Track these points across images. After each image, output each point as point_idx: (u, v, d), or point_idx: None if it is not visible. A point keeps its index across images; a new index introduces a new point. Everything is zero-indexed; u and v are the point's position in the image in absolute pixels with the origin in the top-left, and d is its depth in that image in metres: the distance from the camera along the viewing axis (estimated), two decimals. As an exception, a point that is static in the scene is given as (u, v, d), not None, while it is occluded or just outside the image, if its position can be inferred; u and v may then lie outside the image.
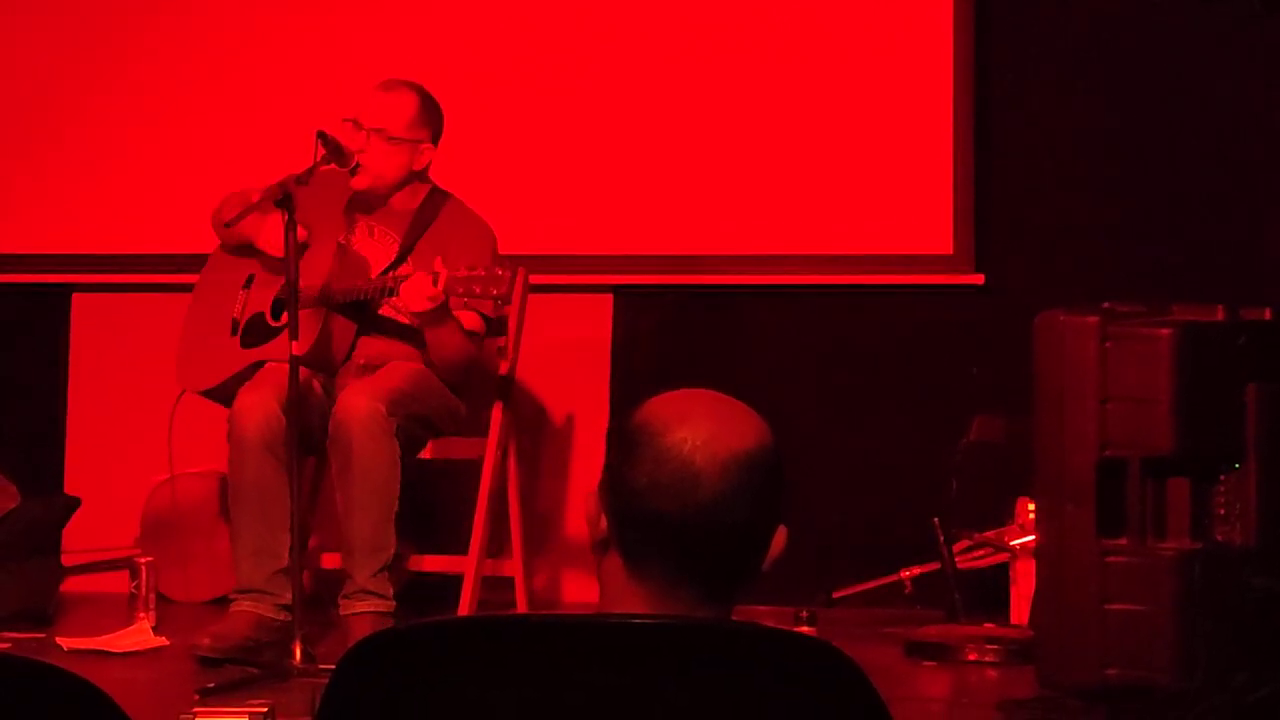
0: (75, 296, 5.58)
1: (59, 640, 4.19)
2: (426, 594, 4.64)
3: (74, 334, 5.58)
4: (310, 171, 4.13)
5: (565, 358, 5.27)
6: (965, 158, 5.09)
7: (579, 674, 1.43)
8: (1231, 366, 3.44)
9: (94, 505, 4.99)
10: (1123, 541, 3.45)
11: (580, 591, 5.15)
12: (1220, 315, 3.49)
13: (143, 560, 4.50)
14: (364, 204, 4.47)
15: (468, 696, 1.44)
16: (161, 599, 4.59)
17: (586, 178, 5.26)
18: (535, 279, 4.68)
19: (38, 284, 5.57)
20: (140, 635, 4.27)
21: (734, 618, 1.64)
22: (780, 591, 4.04)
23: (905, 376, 5.14)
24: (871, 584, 4.80)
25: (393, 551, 4.15)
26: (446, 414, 4.40)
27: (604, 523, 1.69)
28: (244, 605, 4.12)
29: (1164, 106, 5.07)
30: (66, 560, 5.00)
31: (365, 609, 4.11)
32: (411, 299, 4.11)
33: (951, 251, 5.09)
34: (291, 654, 3.80)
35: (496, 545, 4.61)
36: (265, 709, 2.78)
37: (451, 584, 4.44)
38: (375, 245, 4.44)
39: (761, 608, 4.34)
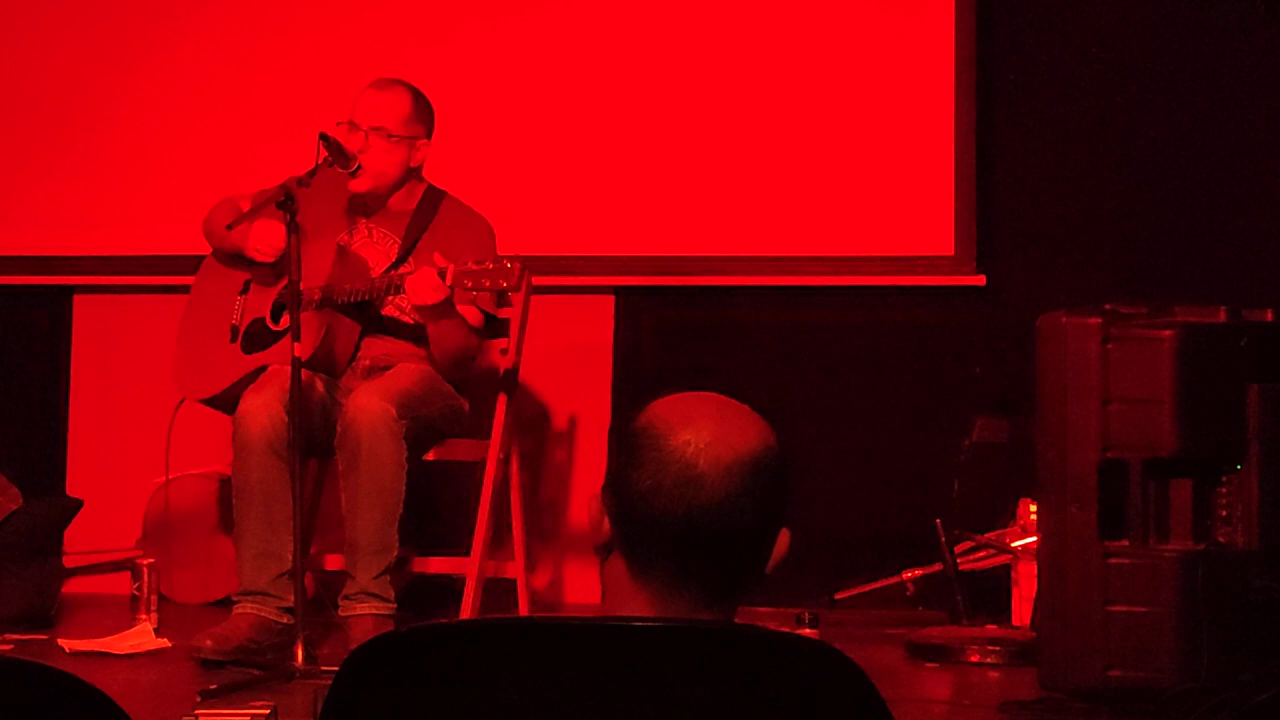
0: (77, 298, 5.58)
1: (61, 642, 4.19)
2: (428, 596, 4.65)
3: (75, 336, 5.58)
4: (313, 173, 4.14)
5: (567, 359, 5.27)
6: (967, 159, 5.09)
7: (581, 677, 1.43)
8: (1233, 368, 3.44)
9: (96, 507, 4.99)
10: (1125, 543, 3.45)
11: (582, 594, 5.15)
12: (1222, 317, 3.50)
13: (144, 561, 4.50)
14: (362, 207, 4.47)
15: (470, 699, 1.44)
16: (163, 600, 4.60)
17: (588, 179, 5.26)
18: (537, 280, 4.68)
19: (39, 285, 5.58)
20: (142, 637, 4.27)
21: (736, 620, 1.64)
22: (782, 593, 4.05)
23: (907, 378, 5.14)
24: (874, 585, 4.80)
25: (396, 554, 4.15)
26: (452, 416, 4.41)
27: (607, 525, 1.69)
28: (246, 607, 4.12)
29: (1166, 108, 5.07)
30: (68, 562, 5.00)
31: (366, 611, 4.11)
32: (418, 293, 4.12)
33: (953, 253, 5.09)
34: (294, 656, 3.80)
35: (498, 547, 4.61)
36: (267, 711, 2.78)
37: (453, 586, 4.44)
38: (375, 247, 4.44)
39: (764, 609, 4.35)
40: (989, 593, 4.61)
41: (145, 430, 5.27)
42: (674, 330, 5.30)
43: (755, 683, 1.43)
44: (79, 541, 5.09)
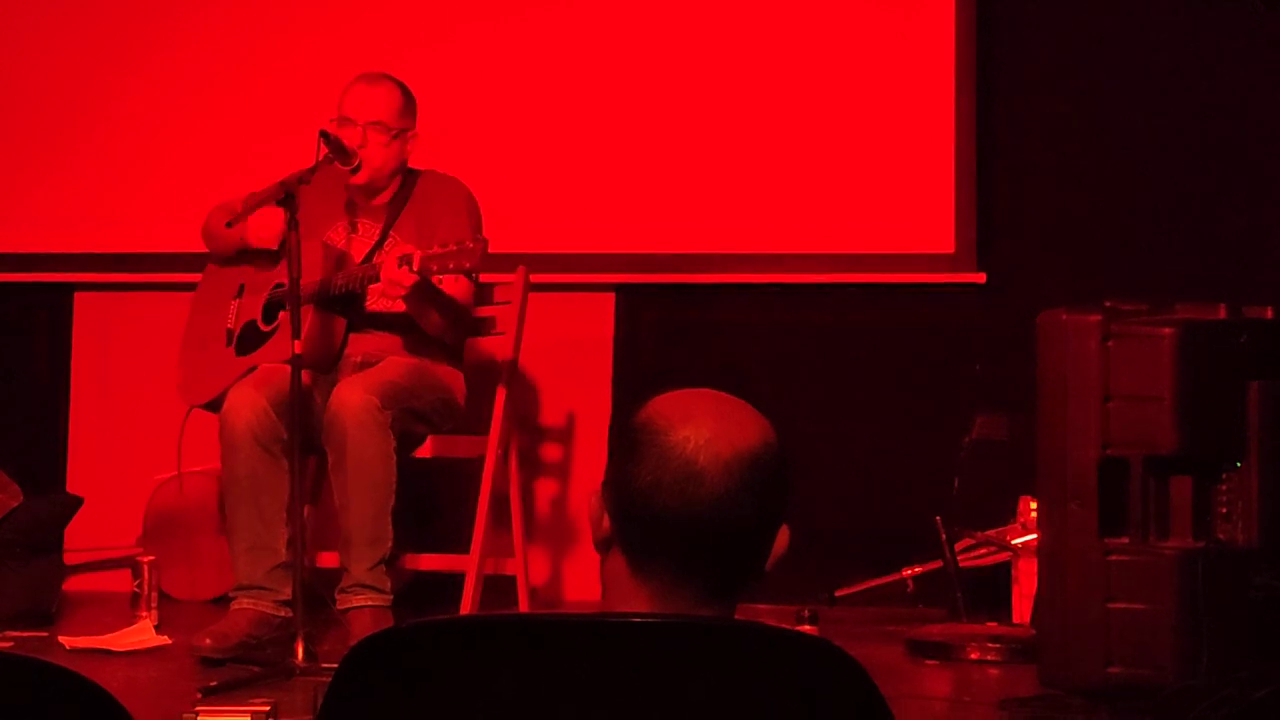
0: (77, 295, 5.58)
1: (61, 639, 4.20)
2: (428, 593, 4.65)
3: (76, 333, 5.58)
4: (313, 170, 4.15)
5: (567, 356, 5.27)
6: (967, 156, 5.09)
7: (581, 673, 1.43)
8: (1234, 365, 3.44)
9: (96, 504, 4.99)
10: (1125, 540, 3.45)
11: (582, 590, 5.15)
12: (1222, 314, 3.50)
13: (145, 559, 4.51)
14: (353, 203, 4.48)
15: (470, 696, 1.44)
16: (164, 597, 4.60)
17: (588, 176, 5.26)
18: (537, 278, 4.68)
19: (40, 283, 5.57)
20: (142, 634, 4.27)
21: (736, 617, 1.64)
22: (783, 590, 4.06)
23: (908, 375, 5.13)
24: (874, 583, 4.80)
25: (390, 545, 4.15)
26: (443, 409, 4.40)
27: (607, 522, 1.69)
28: (243, 603, 4.12)
29: (1166, 104, 5.06)
30: (69, 559, 5.00)
31: (363, 603, 4.11)
32: (389, 285, 4.12)
33: (953, 250, 5.09)
34: (294, 652, 3.80)
35: (498, 544, 4.61)
36: (267, 708, 2.78)
37: (453, 583, 4.44)
38: (360, 240, 4.45)
39: (764, 607, 4.35)
40: (989, 590, 4.61)
41: (146, 427, 5.27)
42: (674, 328, 5.29)
43: (755, 679, 1.43)
44: (79, 539, 5.09)
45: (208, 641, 4.00)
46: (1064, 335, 3.51)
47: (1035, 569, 3.82)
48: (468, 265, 4.04)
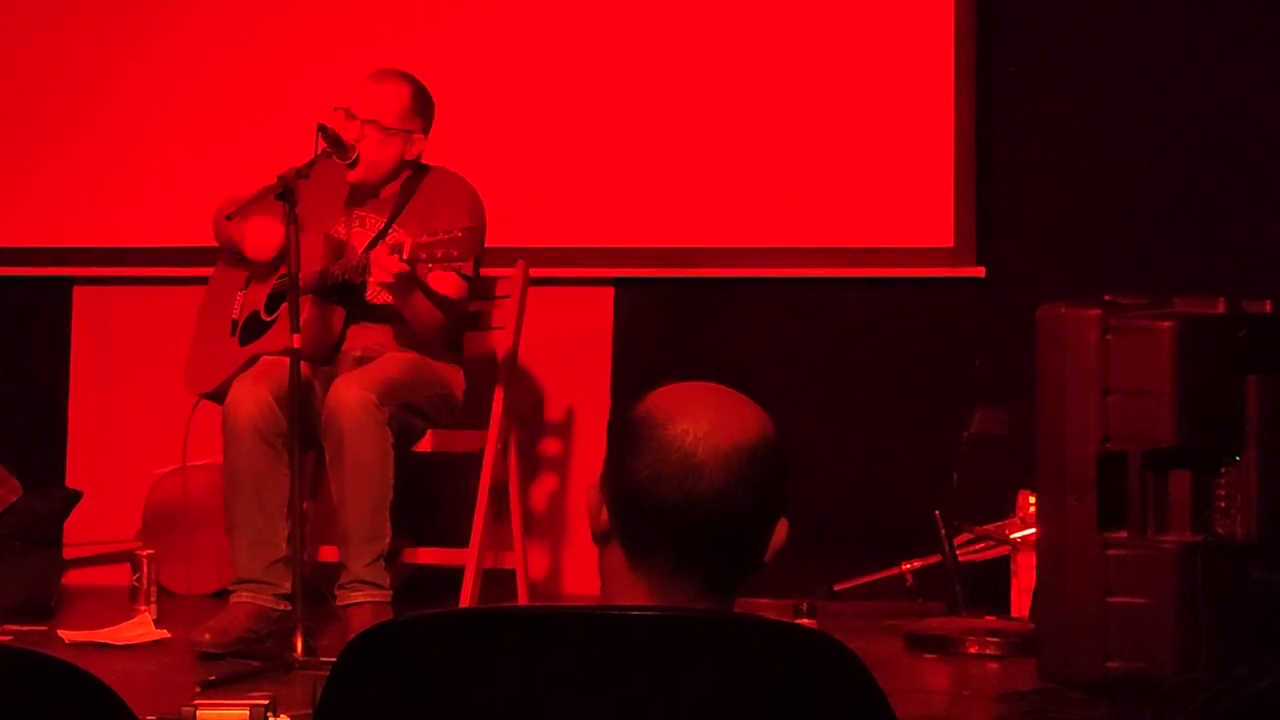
0: (76, 289, 5.58)
1: (60, 633, 4.19)
2: (427, 587, 4.65)
3: (75, 327, 5.58)
4: (311, 164, 4.14)
5: (566, 351, 5.27)
6: (966, 150, 5.09)
7: (580, 666, 1.43)
8: (1232, 359, 3.45)
9: (95, 498, 4.99)
10: (1124, 534, 3.46)
11: (582, 584, 5.15)
12: (1221, 308, 3.50)
13: (144, 553, 4.51)
14: (357, 196, 4.47)
15: (468, 689, 1.44)
16: (163, 592, 4.60)
17: (587, 171, 5.26)
18: (536, 272, 4.68)
19: (39, 277, 5.57)
20: (141, 628, 4.28)
21: (735, 610, 1.64)
22: (781, 584, 4.05)
23: (906, 369, 5.13)
24: (872, 577, 4.80)
25: (388, 541, 4.14)
26: (442, 404, 4.40)
27: (605, 515, 1.69)
28: (243, 596, 4.12)
29: (1165, 99, 5.06)
30: (68, 553, 5.00)
31: (362, 599, 4.11)
32: (379, 272, 4.12)
33: (953, 244, 5.09)
34: (293, 646, 3.80)
35: (497, 538, 4.61)
36: (266, 701, 2.78)
37: (452, 577, 4.44)
38: (363, 233, 4.45)
39: (762, 600, 4.34)
40: (988, 584, 4.61)
41: (145, 422, 5.27)
42: (673, 322, 5.29)
43: (754, 672, 1.43)
44: (78, 533, 5.09)
45: (207, 636, 4.00)
46: (1063, 329, 3.51)
47: (1034, 563, 3.82)
48: (456, 254, 4.02)
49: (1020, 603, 4.45)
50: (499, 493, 4.56)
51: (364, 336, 4.39)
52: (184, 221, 5.22)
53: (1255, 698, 1.51)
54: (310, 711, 3.13)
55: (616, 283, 5.29)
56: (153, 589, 4.46)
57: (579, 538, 5.18)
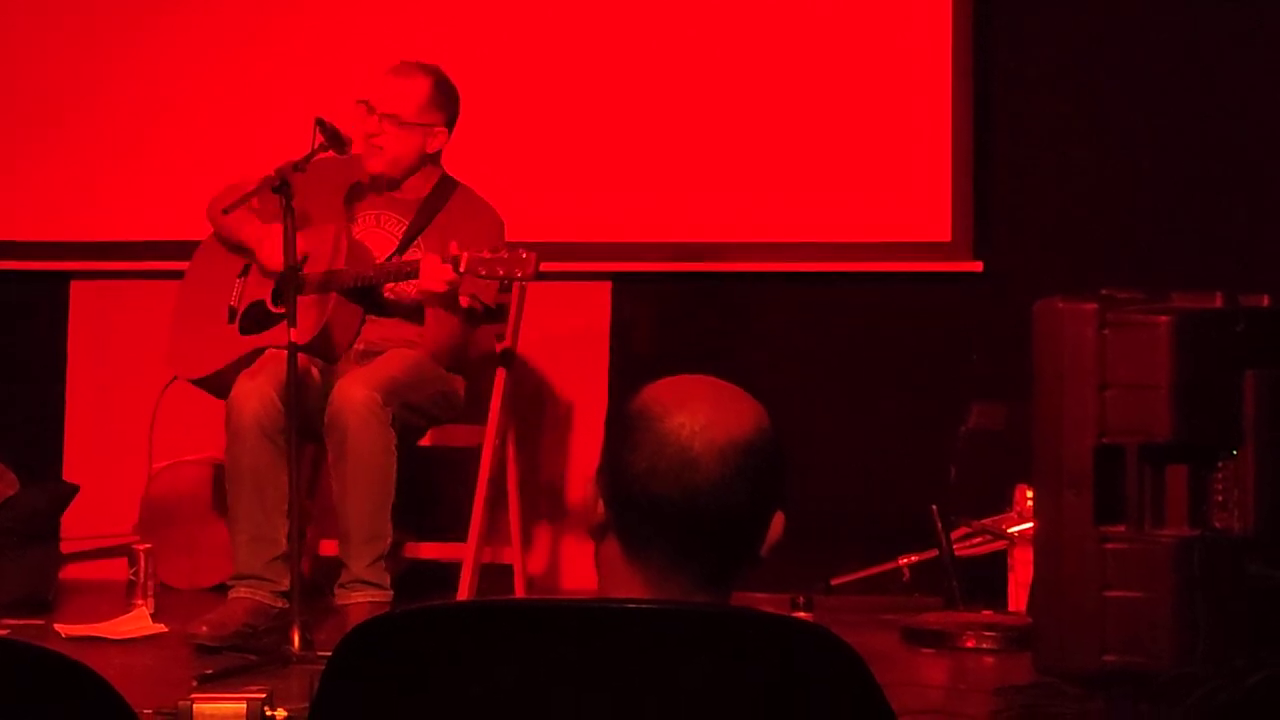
0: (73, 284, 5.57)
1: (57, 627, 4.19)
2: (425, 581, 4.64)
3: (72, 321, 5.58)
4: (308, 158, 4.13)
5: (564, 345, 5.27)
6: (964, 145, 5.09)
7: (576, 659, 1.43)
8: (1230, 353, 3.44)
9: (93, 492, 4.99)
10: (1121, 528, 3.45)
11: (580, 579, 5.15)
12: (1219, 302, 3.50)
13: (141, 547, 4.51)
14: (368, 190, 4.46)
15: (465, 681, 1.44)
16: (160, 586, 4.60)
17: (585, 166, 5.25)
18: (534, 266, 4.67)
19: (36, 271, 5.57)
20: (139, 622, 4.27)
21: (732, 604, 1.64)
22: (778, 578, 4.05)
23: (904, 363, 5.13)
24: (870, 571, 4.80)
25: (389, 541, 4.14)
26: (444, 402, 4.40)
27: (602, 508, 1.69)
28: (241, 592, 4.12)
29: (1163, 94, 5.06)
30: (65, 547, 5.00)
31: (362, 599, 4.11)
32: (429, 280, 4.11)
33: (950, 239, 5.09)
34: (290, 641, 3.80)
35: (495, 532, 4.61)
36: (263, 695, 2.78)
37: (450, 571, 4.45)
38: (382, 232, 4.43)
39: (759, 594, 4.35)
40: (985, 578, 4.61)
41: (142, 416, 5.26)
42: (671, 316, 5.29)
43: (751, 665, 1.43)
44: (76, 527, 5.09)
45: (204, 629, 4.00)
46: (1060, 323, 3.51)
47: (1031, 557, 3.82)
48: (519, 274, 4.04)
49: (1017, 597, 4.45)
50: (497, 487, 4.56)
51: (369, 331, 4.39)
52: (181, 215, 5.21)
53: (1251, 692, 1.51)
54: (307, 705, 3.14)
55: (614, 278, 5.29)
56: (150, 583, 4.46)
57: (578, 532, 5.18)
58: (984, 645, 4.13)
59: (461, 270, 4.04)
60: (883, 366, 5.15)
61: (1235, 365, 3.44)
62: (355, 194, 4.48)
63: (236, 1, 5.46)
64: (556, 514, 5.25)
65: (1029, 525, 4.20)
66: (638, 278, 5.28)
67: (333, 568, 4.23)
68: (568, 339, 5.27)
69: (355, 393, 4.09)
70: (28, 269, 5.57)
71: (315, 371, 4.23)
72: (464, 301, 4.26)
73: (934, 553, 4.65)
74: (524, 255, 4.02)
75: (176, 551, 5.08)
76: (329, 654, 1.50)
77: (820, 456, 4.98)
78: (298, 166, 4.09)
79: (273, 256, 4.29)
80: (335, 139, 4.21)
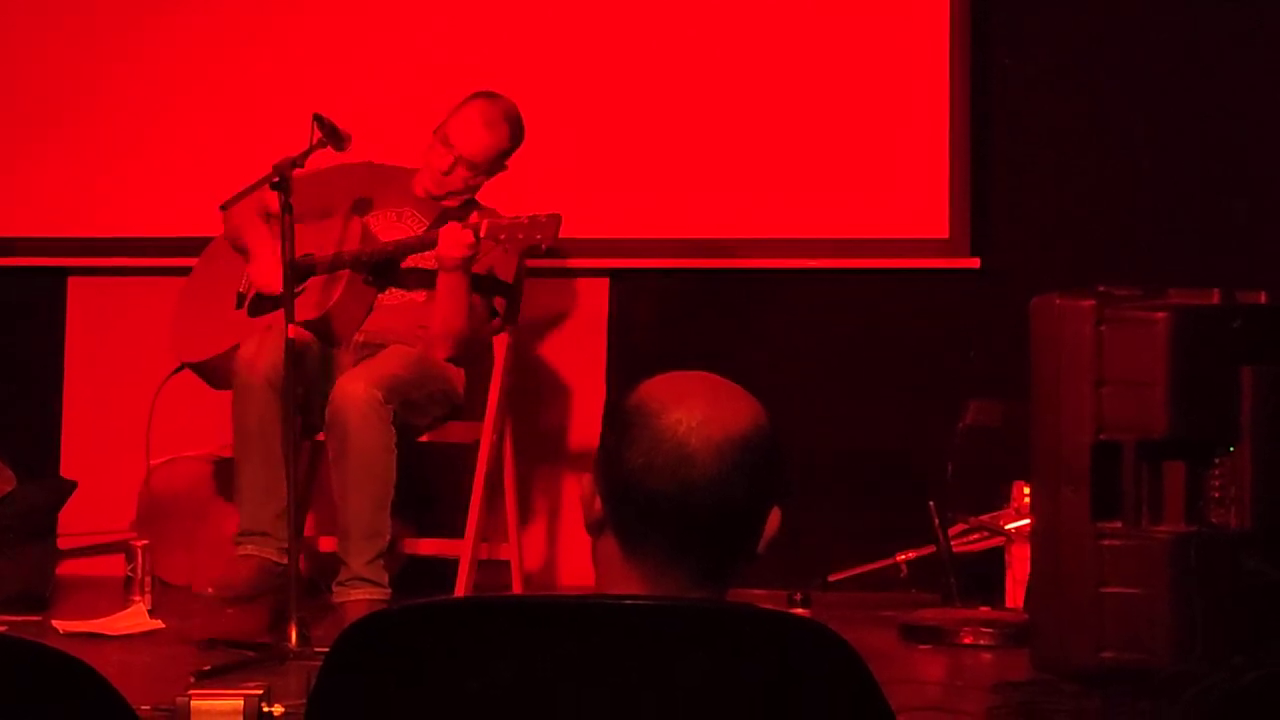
0: (71, 280, 5.57)
1: (55, 623, 4.19)
2: (423, 577, 4.65)
3: (70, 318, 5.57)
4: (306, 154, 4.13)
5: (562, 342, 5.27)
6: (962, 142, 5.08)
7: (573, 655, 1.43)
8: (1227, 350, 3.44)
9: (90, 488, 4.99)
10: (1118, 525, 3.46)
11: (577, 575, 5.15)
12: (1216, 299, 3.50)
13: (138, 543, 4.51)
14: (390, 193, 4.48)
15: (462, 677, 1.44)
16: (159, 582, 4.60)
17: (583, 162, 5.25)
18: (532, 263, 4.68)
19: (34, 267, 5.56)
20: (136, 618, 4.28)
21: (729, 600, 1.64)
22: (775, 574, 4.05)
23: (901, 360, 5.13)
24: (867, 567, 4.80)
25: (388, 539, 4.15)
26: (444, 399, 4.40)
27: (599, 504, 1.69)
28: (248, 549, 4.12)
29: (1161, 91, 5.06)
30: (62, 543, 5.00)
31: (360, 596, 4.11)
32: (446, 244, 4.12)
33: (948, 236, 5.09)
34: (288, 637, 3.80)
35: (492, 528, 4.61)
36: (261, 691, 2.78)
37: (448, 567, 4.45)
38: (402, 226, 4.45)
39: (757, 591, 4.35)
40: (982, 575, 4.61)
41: (140, 412, 5.25)
42: (669, 313, 5.29)
43: (748, 661, 1.43)
44: (73, 523, 5.09)
45: (211, 590, 4.00)
46: (1058, 320, 3.51)
47: (1028, 554, 3.82)
48: (539, 238, 4.05)
49: (1014, 593, 4.45)
50: (494, 483, 4.56)
51: (372, 322, 4.39)
52: (179, 212, 5.21)
53: (1247, 688, 1.51)
54: (304, 701, 3.14)
55: (612, 274, 5.29)
56: (147, 579, 4.46)
57: (575, 529, 5.18)
58: (981, 642, 4.14)
59: (482, 235, 4.05)
60: (880, 363, 5.15)
61: (1232, 362, 3.44)
62: (360, 205, 4.48)
63: (236, 1, 5.45)
64: (553, 510, 5.25)
65: (1026, 522, 4.20)
66: (636, 274, 5.27)
67: (331, 565, 4.23)
68: (566, 335, 5.27)
69: (357, 390, 4.09)
70: (26, 265, 5.56)
71: (316, 349, 4.24)
72: (480, 268, 4.26)
73: (931, 549, 4.66)
74: (543, 219, 4.03)
75: (174, 547, 5.08)
76: (326, 650, 1.50)
77: (817, 452, 4.97)
78: (296, 162, 4.09)
79: (264, 277, 4.30)
80: (333, 134, 4.21)
